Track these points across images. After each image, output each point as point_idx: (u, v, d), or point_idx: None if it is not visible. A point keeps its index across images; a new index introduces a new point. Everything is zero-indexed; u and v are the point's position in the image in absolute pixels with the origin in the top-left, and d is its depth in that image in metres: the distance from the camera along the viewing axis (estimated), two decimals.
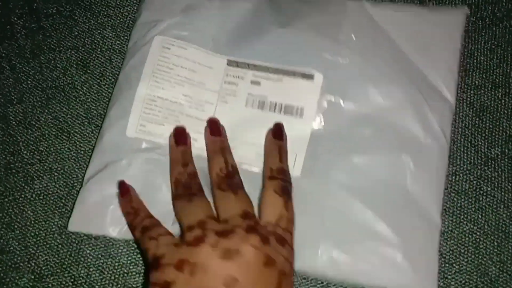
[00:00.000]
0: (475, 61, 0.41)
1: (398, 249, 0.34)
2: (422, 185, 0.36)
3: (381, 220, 0.35)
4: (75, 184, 0.38)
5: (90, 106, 0.40)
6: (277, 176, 0.33)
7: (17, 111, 0.40)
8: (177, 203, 0.33)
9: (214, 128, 0.37)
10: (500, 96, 0.40)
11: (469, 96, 0.40)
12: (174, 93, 0.38)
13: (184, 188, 0.34)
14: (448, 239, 0.37)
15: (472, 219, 0.37)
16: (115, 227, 0.35)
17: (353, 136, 0.37)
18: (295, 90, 0.38)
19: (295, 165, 0.36)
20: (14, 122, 0.40)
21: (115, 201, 0.35)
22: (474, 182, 0.38)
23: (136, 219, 0.34)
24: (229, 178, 0.34)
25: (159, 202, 0.35)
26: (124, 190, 0.35)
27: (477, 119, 0.40)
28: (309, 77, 0.38)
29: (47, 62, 0.41)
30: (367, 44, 0.38)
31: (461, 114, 0.40)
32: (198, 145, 0.37)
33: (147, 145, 0.37)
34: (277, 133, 0.36)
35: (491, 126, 0.40)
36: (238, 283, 0.27)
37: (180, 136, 0.36)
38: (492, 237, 0.37)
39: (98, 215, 0.35)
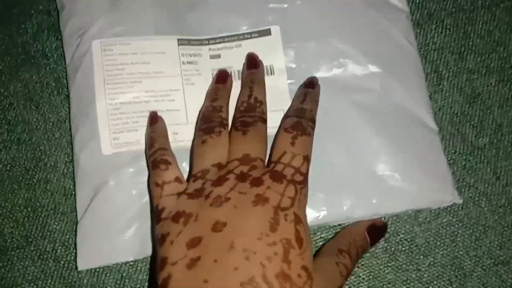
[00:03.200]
0: (470, 43, 0.39)
1: (411, 166, 0.35)
2: (409, 96, 0.36)
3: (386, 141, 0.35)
4: (43, 156, 0.37)
5: (60, 75, 0.38)
6: (290, 114, 0.33)
7: None
8: (193, 143, 0.33)
9: (250, 61, 0.36)
10: (493, 83, 0.38)
11: (460, 81, 0.38)
12: (134, 93, 0.35)
13: (204, 121, 0.33)
14: (425, 230, 0.36)
15: (452, 211, 0.36)
16: (129, 251, 0.33)
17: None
18: (258, 50, 0.36)
19: None
20: None
21: (117, 226, 0.33)
22: (458, 172, 0.37)
23: (149, 150, 0.32)
24: (248, 113, 0.33)
25: None
26: (152, 120, 0.34)
27: (467, 105, 0.38)
28: (266, 32, 0.36)
29: (17, 27, 0.39)
30: None
31: (450, 100, 0.38)
32: (180, 138, 0.35)
33: (127, 156, 0.34)
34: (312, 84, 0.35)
35: (481, 114, 0.38)
36: (226, 226, 0.27)
37: (219, 77, 0.35)
38: (470, 231, 0.36)
39: (106, 245, 0.34)
